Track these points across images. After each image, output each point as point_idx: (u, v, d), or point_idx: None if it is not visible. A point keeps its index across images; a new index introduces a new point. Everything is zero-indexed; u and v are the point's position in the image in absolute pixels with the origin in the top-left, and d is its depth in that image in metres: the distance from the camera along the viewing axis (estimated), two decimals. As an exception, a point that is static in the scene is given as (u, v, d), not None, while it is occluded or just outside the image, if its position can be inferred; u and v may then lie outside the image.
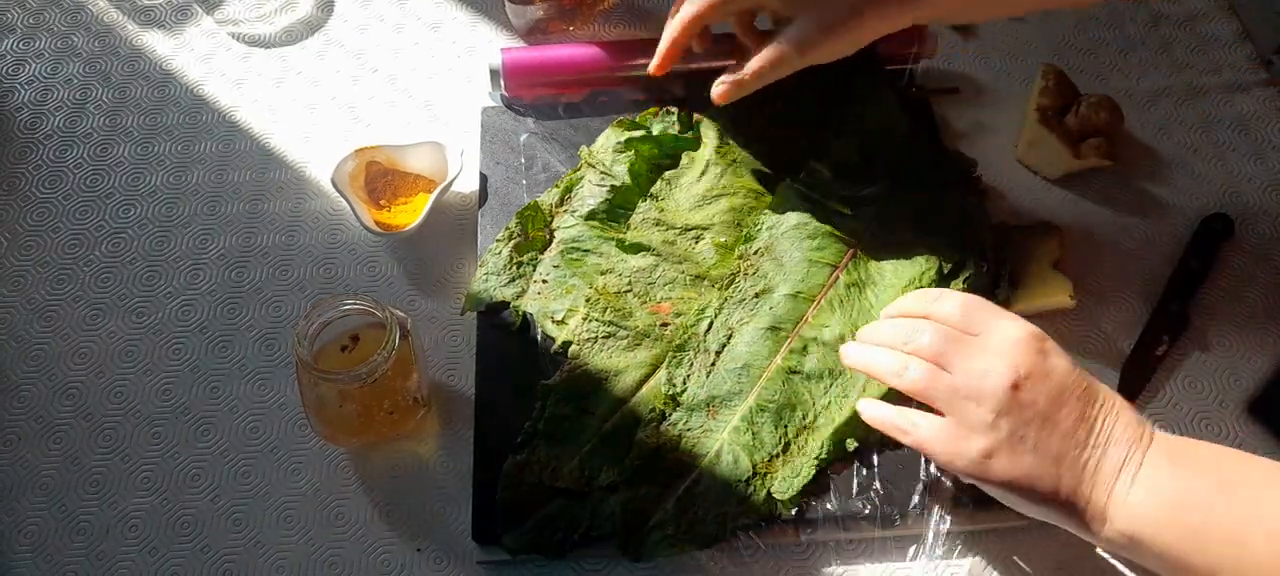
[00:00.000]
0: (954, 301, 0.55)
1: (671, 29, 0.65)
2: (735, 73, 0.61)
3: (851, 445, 0.59)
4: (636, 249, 0.66)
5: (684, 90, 0.77)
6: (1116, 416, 0.51)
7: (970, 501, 0.57)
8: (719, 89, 0.62)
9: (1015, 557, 0.58)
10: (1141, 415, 0.52)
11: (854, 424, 0.59)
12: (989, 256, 0.66)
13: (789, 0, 0.58)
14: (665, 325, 0.64)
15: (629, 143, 0.70)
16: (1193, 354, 0.66)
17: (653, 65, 0.66)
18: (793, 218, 0.66)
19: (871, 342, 0.57)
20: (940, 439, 0.52)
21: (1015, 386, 0.50)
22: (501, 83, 0.77)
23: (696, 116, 0.73)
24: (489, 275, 0.66)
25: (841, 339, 0.62)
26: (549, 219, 0.69)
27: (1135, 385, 0.64)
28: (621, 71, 0.77)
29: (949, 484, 0.58)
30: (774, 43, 0.59)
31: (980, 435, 0.50)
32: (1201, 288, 0.68)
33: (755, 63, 0.60)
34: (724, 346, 0.62)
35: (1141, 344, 0.66)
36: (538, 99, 0.77)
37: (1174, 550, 0.47)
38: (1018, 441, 0.50)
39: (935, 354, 0.53)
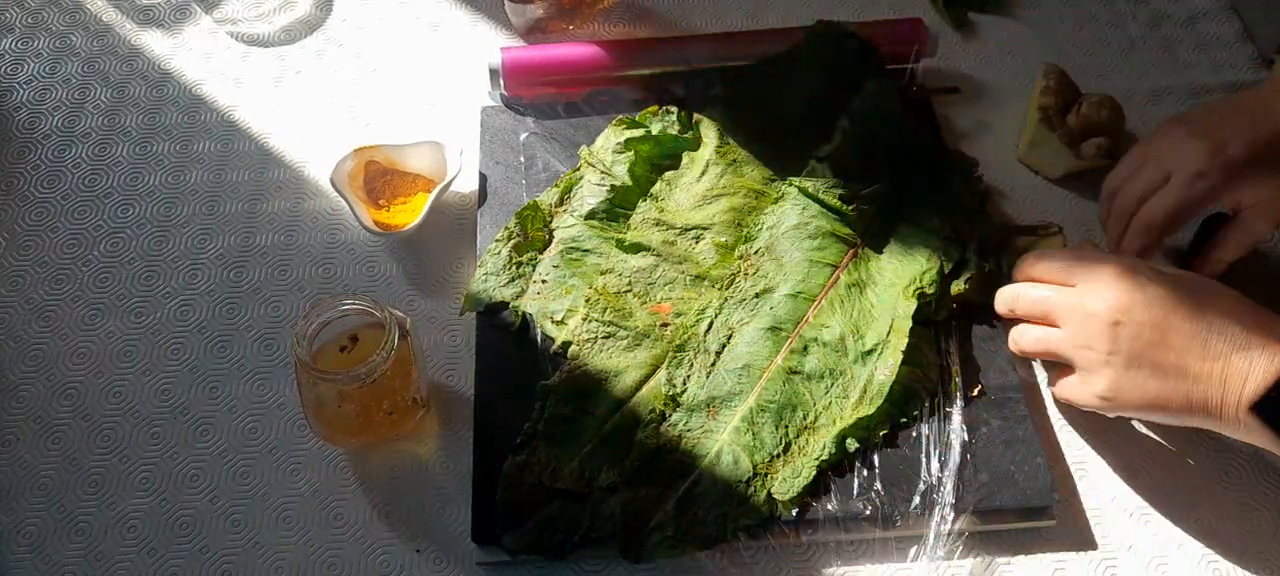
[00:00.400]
0: (1050, 259, 0.58)
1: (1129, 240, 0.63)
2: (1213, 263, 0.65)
3: (852, 446, 0.58)
4: (636, 249, 0.66)
5: (684, 90, 0.77)
6: (1235, 316, 0.52)
7: (970, 502, 0.57)
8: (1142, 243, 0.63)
9: (1015, 558, 0.58)
10: (1269, 315, 0.52)
11: (855, 424, 0.59)
12: (990, 256, 0.65)
13: (1251, 193, 0.61)
14: (665, 325, 0.63)
15: (629, 142, 0.70)
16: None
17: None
18: (793, 217, 0.66)
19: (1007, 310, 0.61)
20: (1071, 386, 0.57)
21: (1115, 323, 0.53)
22: (501, 82, 0.76)
23: (696, 117, 0.73)
24: (488, 275, 0.66)
25: (842, 339, 0.62)
26: (548, 219, 0.69)
27: None
28: (621, 71, 0.77)
29: (949, 485, 0.58)
30: (1245, 226, 0.63)
31: (1099, 375, 0.54)
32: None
33: (1233, 252, 0.64)
34: (724, 346, 0.62)
35: None
36: (537, 98, 0.77)
37: None
38: (1135, 370, 0.53)
39: (1043, 314, 0.58)
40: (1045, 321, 0.58)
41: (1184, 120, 0.63)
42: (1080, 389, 0.56)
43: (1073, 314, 0.56)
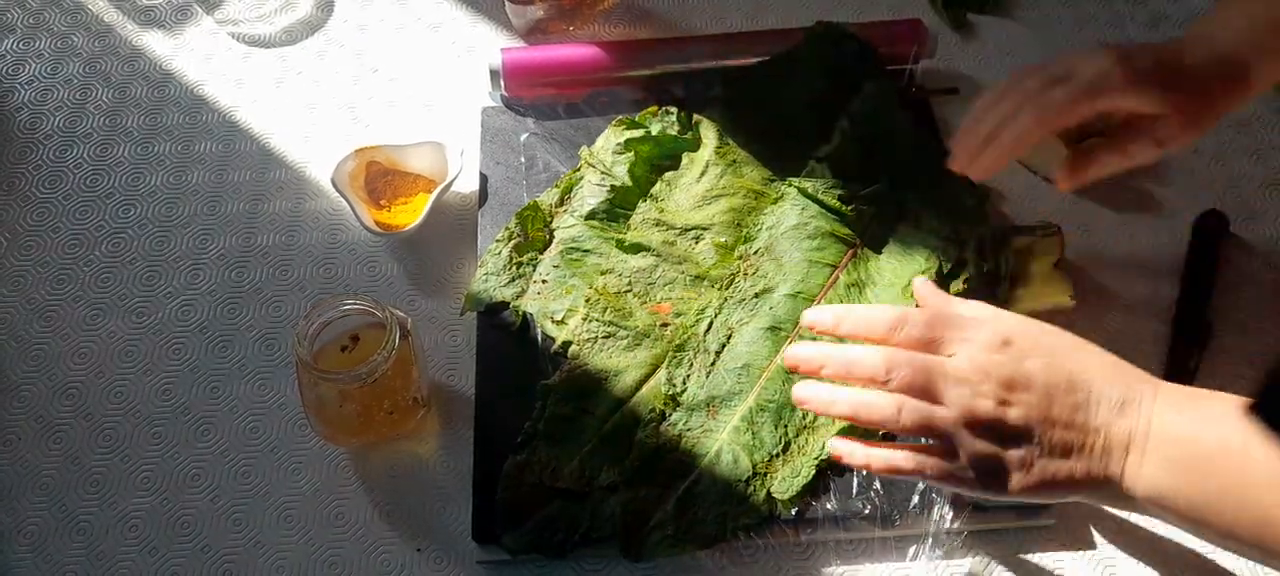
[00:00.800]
0: (915, 323, 0.52)
1: (1004, 143, 0.59)
2: (1088, 160, 0.61)
3: (851, 445, 0.59)
4: (636, 249, 0.66)
5: (684, 91, 0.77)
6: (1109, 387, 0.50)
7: (970, 501, 0.57)
8: (1067, 173, 0.61)
9: (1015, 557, 0.58)
10: (1132, 370, 0.51)
11: (854, 426, 0.59)
12: (989, 256, 0.66)
13: (1153, 104, 0.58)
14: (665, 325, 0.64)
15: (629, 143, 0.71)
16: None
17: (973, 172, 0.61)
18: (792, 218, 0.66)
19: (838, 373, 0.52)
20: (952, 472, 0.50)
21: (1003, 403, 0.49)
22: (501, 83, 0.77)
23: (696, 117, 0.73)
24: (489, 275, 0.66)
25: (841, 339, 0.62)
26: (549, 219, 0.69)
27: None
28: (621, 72, 0.77)
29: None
30: (1133, 137, 0.59)
31: (991, 456, 0.49)
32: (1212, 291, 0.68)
33: (1115, 156, 0.60)
34: (724, 346, 0.62)
35: (1173, 360, 0.65)
36: (537, 99, 0.77)
37: (1195, 513, 0.48)
38: (1022, 457, 0.49)
39: (921, 387, 0.51)
40: (924, 393, 0.50)
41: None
42: (964, 470, 0.50)
43: (957, 389, 0.50)
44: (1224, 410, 0.49)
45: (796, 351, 0.53)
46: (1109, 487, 0.49)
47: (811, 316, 0.55)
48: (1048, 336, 0.52)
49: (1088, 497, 0.50)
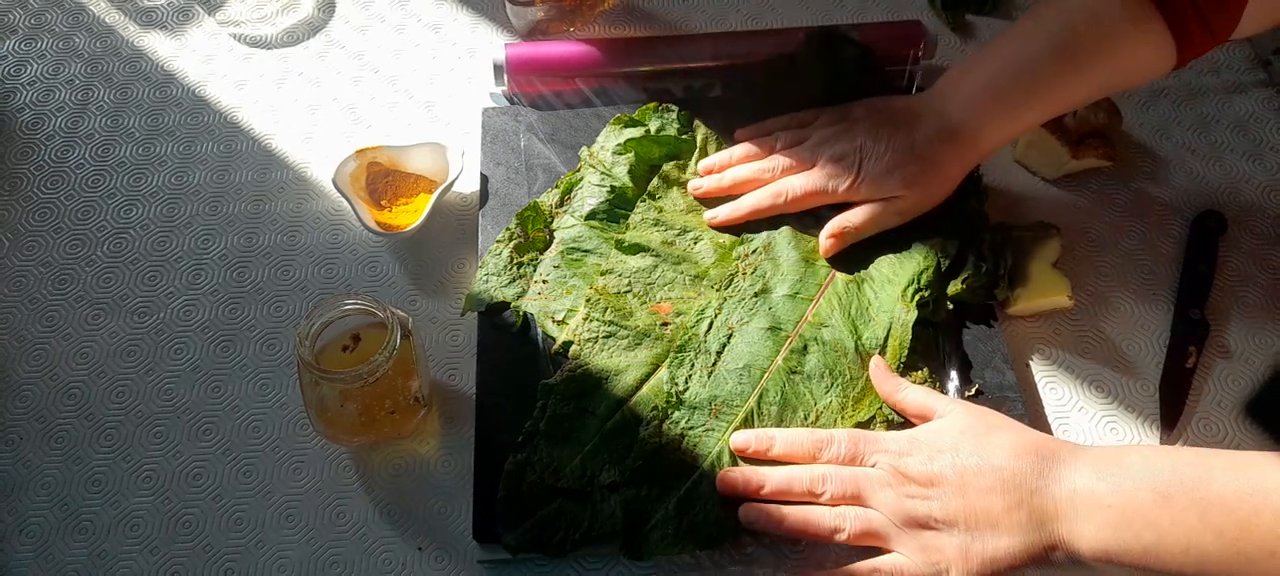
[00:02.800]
0: (840, 443, 0.56)
1: (743, 207, 0.68)
2: (836, 230, 0.65)
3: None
4: (635, 249, 0.66)
5: (683, 92, 0.78)
6: (1021, 461, 0.52)
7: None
8: (827, 244, 0.66)
9: (1014, 556, 0.58)
10: (1048, 442, 0.53)
11: (855, 424, 0.59)
12: (988, 256, 0.66)
13: (891, 190, 0.65)
14: (666, 325, 0.64)
15: (628, 142, 0.71)
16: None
17: (723, 219, 0.68)
18: (790, 217, 0.66)
19: (777, 490, 0.56)
20: (903, 566, 0.53)
21: (927, 499, 0.53)
22: (505, 78, 0.77)
23: (695, 119, 0.73)
24: (489, 275, 0.67)
25: (841, 338, 0.62)
26: (549, 219, 0.69)
27: (1176, 405, 0.63)
28: (624, 67, 0.77)
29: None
30: (877, 209, 0.65)
31: (934, 551, 0.52)
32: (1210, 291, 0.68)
33: (858, 220, 0.65)
34: (724, 346, 0.62)
35: (1171, 359, 0.65)
36: (539, 99, 0.77)
37: (1146, 561, 0.49)
38: (969, 546, 0.52)
39: (852, 495, 0.55)
40: (855, 503, 0.55)
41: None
42: (913, 569, 0.53)
43: (890, 500, 0.54)
44: (1145, 462, 0.50)
45: (733, 475, 0.57)
46: (1054, 554, 0.51)
47: (739, 441, 0.58)
48: (952, 433, 0.55)
49: (1039, 569, 0.52)
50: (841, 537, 0.54)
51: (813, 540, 0.55)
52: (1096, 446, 0.52)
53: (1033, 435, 0.54)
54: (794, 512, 0.55)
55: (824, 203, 0.66)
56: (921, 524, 0.53)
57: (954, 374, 0.62)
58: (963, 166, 0.65)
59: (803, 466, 0.56)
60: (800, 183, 0.66)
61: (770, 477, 0.56)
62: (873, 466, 0.55)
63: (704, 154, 0.72)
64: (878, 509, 0.54)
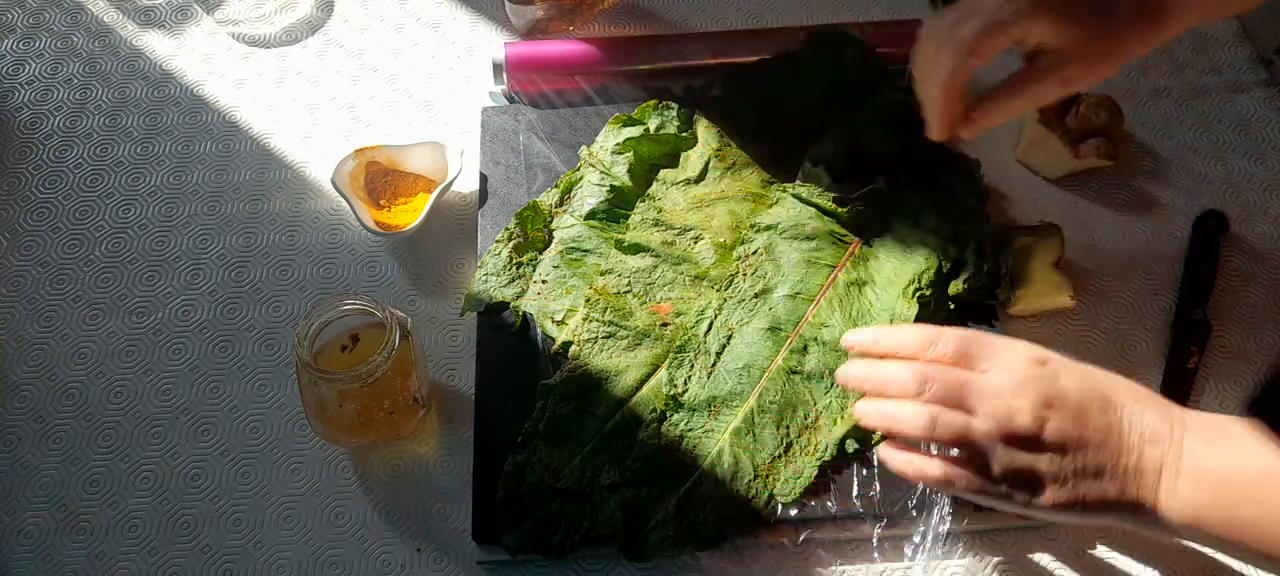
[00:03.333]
0: (948, 341, 0.53)
1: (937, 95, 0.59)
2: (988, 104, 0.59)
3: (851, 447, 0.59)
4: (635, 249, 0.66)
5: (683, 91, 0.77)
6: (1142, 411, 0.51)
7: (970, 502, 0.57)
8: (969, 128, 0.60)
9: (1013, 558, 0.58)
10: (1163, 400, 0.51)
11: (854, 426, 0.59)
12: (989, 256, 0.66)
13: (1055, 33, 0.56)
14: (665, 325, 0.64)
15: (627, 142, 0.70)
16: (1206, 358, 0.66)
17: (936, 133, 0.61)
18: (790, 219, 0.66)
19: (875, 389, 0.54)
20: (985, 487, 0.51)
21: (1038, 422, 0.49)
22: (504, 77, 0.77)
23: (695, 117, 0.73)
24: (489, 275, 0.66)
25: (841, 338, 0.62)
26: (548, 219, 0.69)
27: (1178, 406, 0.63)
28: (623, 66, 0.77)
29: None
30: (1034, 76, 0.57)
31: (1021, 474, 0.50)
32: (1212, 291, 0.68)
33: (1015, 98, 0.58)
34: (724, 347, 0.62)
35: (1173, 359, 0.65)
36: (538, 98, 0.77)
37: (1231, 537, 0.48)
38: (1056, 472, 0.49)
39: (954, 400, 0.51)
40: (958, 406, 0.51)
41: None
42: (996, 486, 0.50)
43: (990, 405, 0.50)
44: (1253, 435, 0.49)
45: (842, 372, 0.55)
46: (1142, 512, 0.49)
47: (849, 338, 0.56)
48: (1081, 364, 0.52)
49: (1119, 520, 0.50)
50: (930, 437, 0.51)
51: (899, 436, 0.52)
52: (1202, 413, 0.51)
53: (1151, 392, 0.52)
54: (878, 408, 0.53)
55: (998, 44, 0.57)
56: (1025, 440, 0.49)
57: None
58: (1141, 40, 0.56)
59: (906, 364, 0.53)
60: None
61: (871, 376, 0.54)
62: (984, 372, 0.52)
63: (705, 151, 0.72)
64: (979, 417, 0.50)
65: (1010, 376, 0.51)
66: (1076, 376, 0.51)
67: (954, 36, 0.57)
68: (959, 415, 0.51)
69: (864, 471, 0.58)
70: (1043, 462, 0.49)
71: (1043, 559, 0.58)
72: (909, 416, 0.51)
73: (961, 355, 0.52)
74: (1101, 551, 0.58)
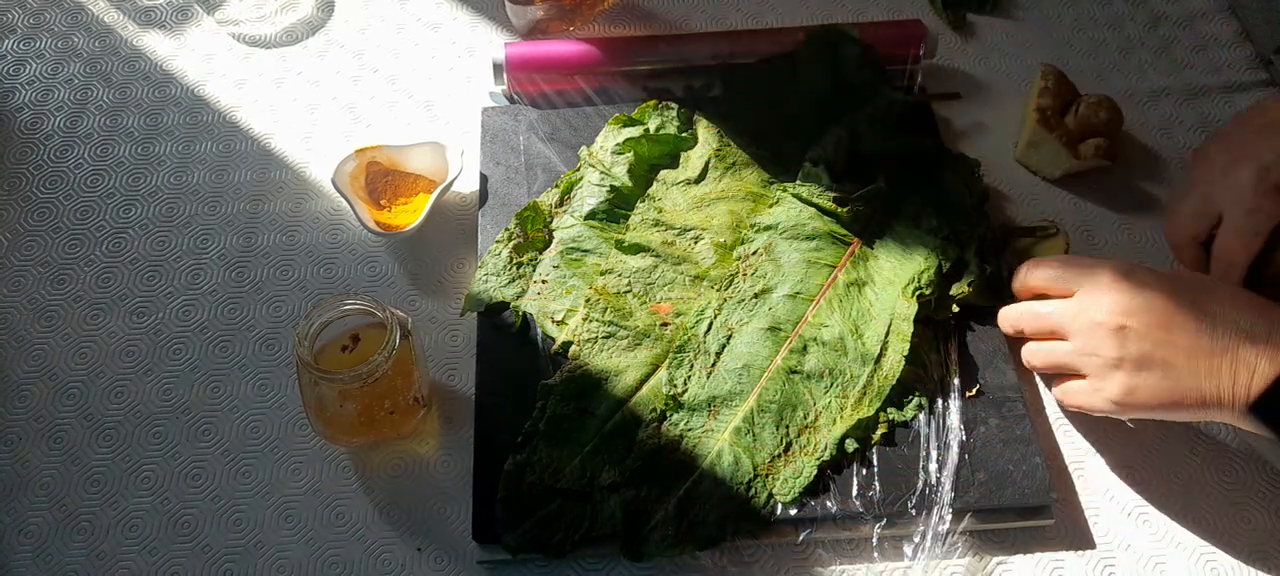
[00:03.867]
0: (1047, 267, 0.60)
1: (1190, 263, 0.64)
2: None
3: (851, 446, 0.59)
4: (635, 249, 0.66)
5: (683, 91, 0.78)
6: (1238, 308, 0.53)
7: (968, 501, 0.57)
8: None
9: (1013, 557, 0.58)
10: (1271, 305, 0.53)
11: (855, 424, 0.59)
12: (989, 257, 0.66)
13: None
14: (665, 325, 0.64)
15: (627, 142, 0.71)
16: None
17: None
18: (790, 219, 0.66)
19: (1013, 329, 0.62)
20: (1082, 394, 0.57)
21: (1121, 327, 0.54)
22: (504, 77, 0.77)
23: (695, 116, 0.73)
24: (489, 275, 0.66)
25: (841, 338, 0.62)
26: (548, 219, 0.69)
27: None
28: (623, 66, 0.77)
29: (947, 484, 0.58)
30: (1232, 241, 0.61)
31: (1110, 381, 0.55)
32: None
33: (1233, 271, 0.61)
34: (724, 347, 0.62)
35: None
36: (538, 99, 0.77)
37: None
38: (1145, 371, 0.53)
39: (1048, 329, 0.58)
40: (1052, 336, 0.58)
41: (1222, 141, 0.63)
42: (1093, 396, 0.56)
43: (1077, 323, 0.56)
44: None
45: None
46: (1231, 407, 0.52)
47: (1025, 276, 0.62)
48: (1170, 270, 0.57)
49: (1216, 416, 0.53)
50: (1033, 368, 0.61)
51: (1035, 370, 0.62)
52: None
53: (1259, 299, 0.54)
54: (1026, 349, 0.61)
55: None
56: (1108, 349, 0.54)
57: (956, 374, 0.62)
58: None
59: (1007, 310, 0.62)
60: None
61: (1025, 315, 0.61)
62: (1072, 298, 0.57)
63: (705, 151, 0.72)
64: (1070, 339, 0.57)
65: (1094, 296, 0.56)
66: (1166, 279, 0.55)
67: (1218, 266, 0.61)
68: (1048, 344, 0.58)
69: (864, 471, 0.59)
70: (1127, 366, 0.54)
71: (1044, 558, 0.58)
72: (1027, 354, 0.60)
73: (1060, 282, 0.58)
74: (1104, 550, 0.58)
